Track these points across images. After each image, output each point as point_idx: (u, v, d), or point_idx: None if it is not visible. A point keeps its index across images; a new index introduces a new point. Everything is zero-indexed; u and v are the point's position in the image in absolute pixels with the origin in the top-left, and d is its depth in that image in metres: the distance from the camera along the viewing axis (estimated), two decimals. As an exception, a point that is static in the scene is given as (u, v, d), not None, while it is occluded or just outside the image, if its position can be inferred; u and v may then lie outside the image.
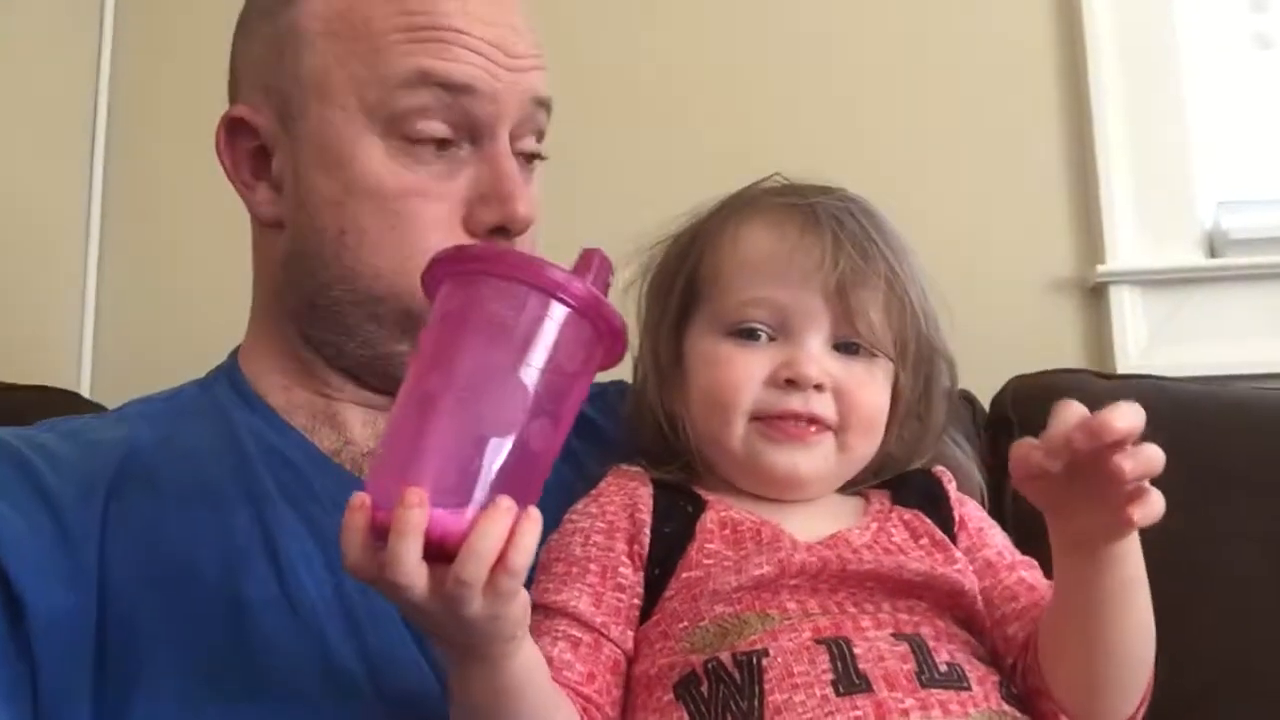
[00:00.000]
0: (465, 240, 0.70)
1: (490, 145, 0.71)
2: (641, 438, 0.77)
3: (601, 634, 0.65)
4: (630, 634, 0.66)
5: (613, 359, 0.55)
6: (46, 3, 1.28)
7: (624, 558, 0.68)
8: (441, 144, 0.70)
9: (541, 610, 0.64)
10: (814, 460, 0.71)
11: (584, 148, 1.09)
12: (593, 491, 0.73)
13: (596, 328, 0.53)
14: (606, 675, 0.64)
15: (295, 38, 0.71)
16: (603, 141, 1.24)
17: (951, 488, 0.77)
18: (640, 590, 0.67)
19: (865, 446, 0.73)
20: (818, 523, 0.71)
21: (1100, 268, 1.17)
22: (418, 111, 0.69)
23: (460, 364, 0.51)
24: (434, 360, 0.51)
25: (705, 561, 0.67)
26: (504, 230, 0.71)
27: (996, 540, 0.74)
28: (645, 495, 0.71)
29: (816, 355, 0.70)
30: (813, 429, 0.71)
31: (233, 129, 0.74)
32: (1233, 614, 0.92)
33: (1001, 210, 1.21)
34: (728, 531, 0.69)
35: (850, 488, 0.76)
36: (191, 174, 1.28)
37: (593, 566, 0.67)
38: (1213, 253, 1.18)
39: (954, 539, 0.73)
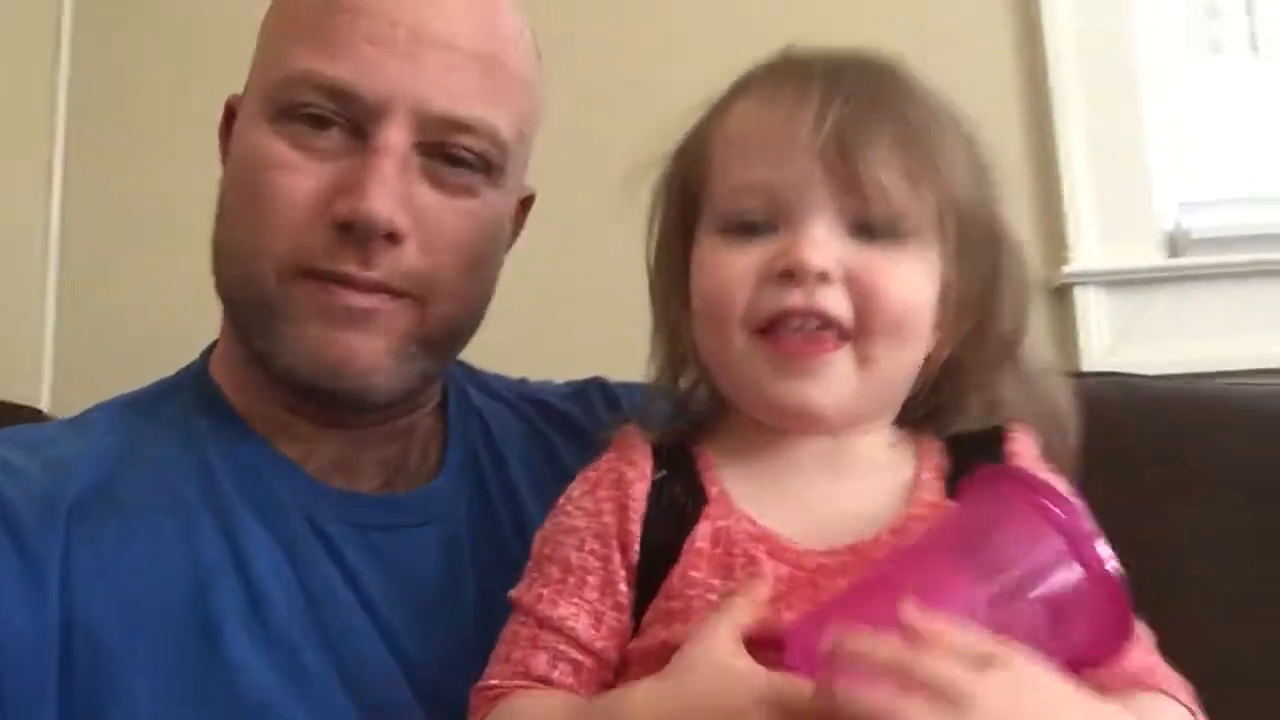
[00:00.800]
0: (324, 230, 0.65)
1: (371, 140, 0.66)
2: (664, 376, 0.67)
3: (601, 659, 0.58)
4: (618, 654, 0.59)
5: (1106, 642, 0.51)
6: (2, 10, 1.27)
7: (620, 570, 0.59)
8: (320, 123, 0.67)
9: (536, 620, 0.59)
10: (828, 385, 0.58)
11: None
12: (589, 472, 0.63)
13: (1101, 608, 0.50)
14: None
15: (261, 27, 0.72)
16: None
17: (1024, 457, 0.61)
18: (631, 605, 0.59)
19: (894, 356, 0.59)
20: (845, 499, 0.60)
21: (1064, 269, 1.18)
22: (300, 105, 0.67)
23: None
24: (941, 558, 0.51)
25: (688, 592, 0.58)
26: (350, 229, 0.65)
27: None
28: (640, 490, 0.61)
29: (820, 239, 0.57)
30: (822, 343, 0.57)
31: (227, 116, 0.74)
32: (1202, 610, 0.93)
33: (966, 214, 1.22)
34: (719, 551, 0.58)
35: (904, 422, 0.63)
36: (152, 182, 1.28)
37: (591, 580, 0.59)
38: (1174, 253, 1.20)
39: None
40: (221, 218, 0.70)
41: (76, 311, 1.30)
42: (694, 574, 0.58)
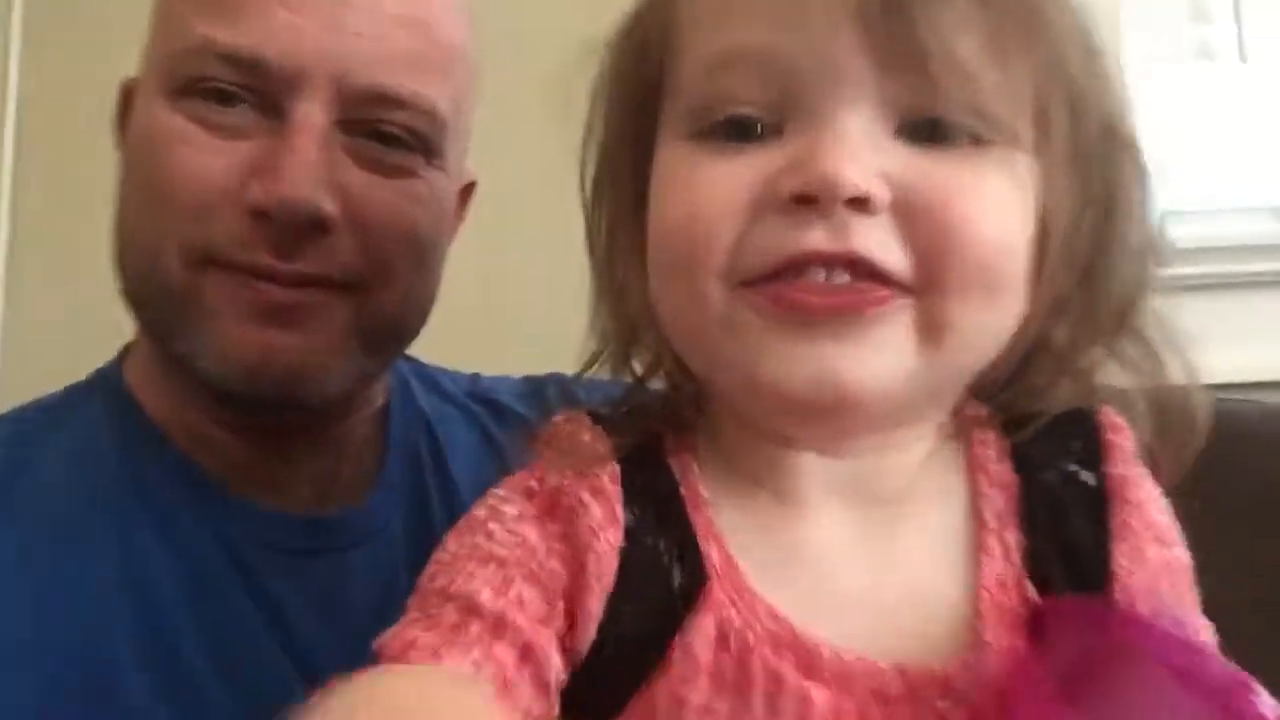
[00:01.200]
0: (236, 217, 0.58)
1: (287, 117, 0.59)
2: (610, 357, 0.48)
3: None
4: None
5: None
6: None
7: (557, 644, 0.40)
8: (227, 98, 0.59)
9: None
10: (873, 356, 0.38)
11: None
12: (529, 482, 0.44)
13: None
14: None
15: None
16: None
17: (1124, 472, 0.43)
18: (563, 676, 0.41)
19: (977, 322, 0.39)
20: (887, 560, 0.41)
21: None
22: (203, 79, 0.59)
23: None
24: None
25: (680, 712, 0.39)
26: (267, 216, 0.57)
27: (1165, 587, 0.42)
28: (609, 540, 0.41)
29: (856, 144, 0.37)
30: (865, 292, 0.37)
31: (123, 101, 0.67)
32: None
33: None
34: (728, 660, 0.39)
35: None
36: (105, 174, 1.25)
37: (507, 638, 0.40)
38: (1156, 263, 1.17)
39: (1107, 578, 0.41)
40: (121, 209, 0.63)
41: (24, 312, 1.27)
42: (693, 697, 0.39)
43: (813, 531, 0.42)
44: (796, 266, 0.38)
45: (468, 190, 0.71)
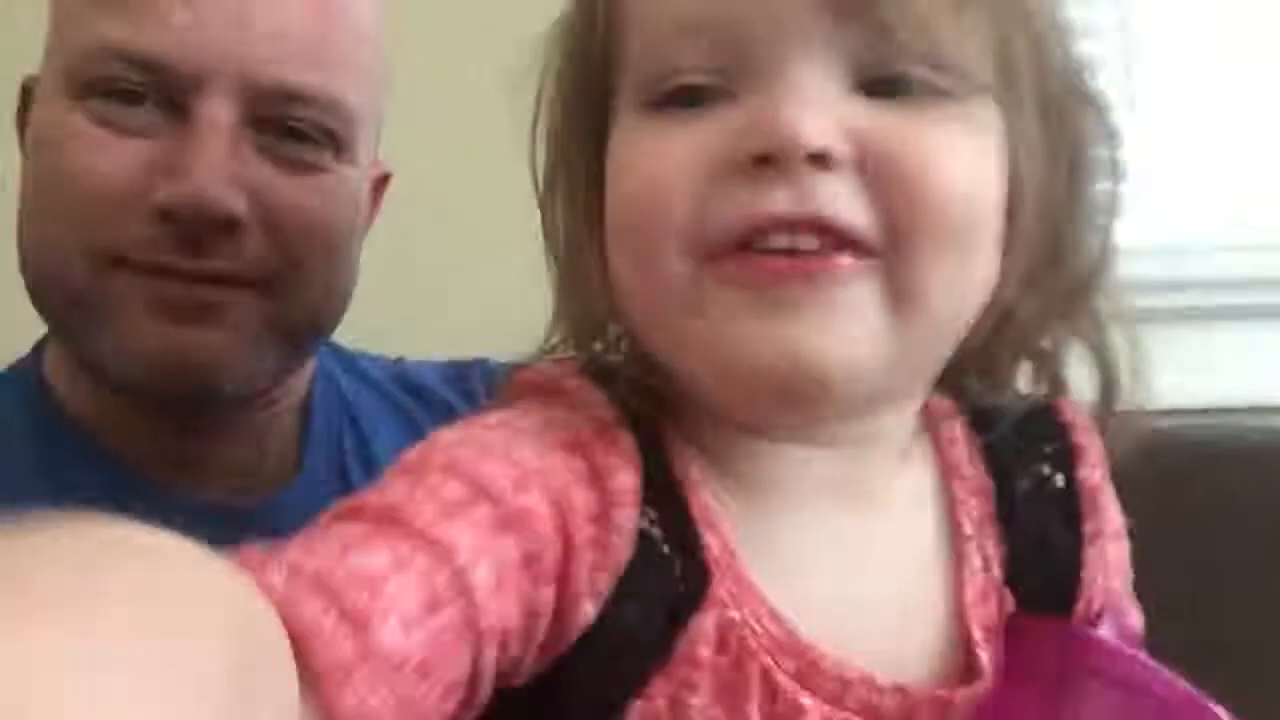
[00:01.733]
0: (143, 217, 0.57)
1: (192, 116, 0.58)
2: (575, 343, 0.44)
3: (487, 617, 0.33)
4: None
5: None
6: None
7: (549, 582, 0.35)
8: (131, 98, 0.58)
9: (405, 531, 0.34)
10: (842, 326, 0.35)
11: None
12: (542, 411, 0.39)
13: None
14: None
15: None
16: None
17: (1093, 479, 0.43)
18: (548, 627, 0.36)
19: (948, 286, 0.37)
20: (873, 565, 0.40)
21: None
22: (105, 80, 0.58)
23: None
24: None
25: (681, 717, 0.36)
26: (174, 216, 0.57)
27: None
28: (630, 513, 0.37)
29: (814, 97, 0.35)
30: (829, 257, 0.35)
31: (23, 99, 0.66)
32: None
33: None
34: (726, 663, 0.37)
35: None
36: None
37: (513, 536, 0.35)
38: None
39: (1077, 583, 0.42)
40: (23, 210, 0.62)
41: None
42: (693, 701, 0.36)
43: (795, 531, 0.40)
44: (761, 232, 0.36)
45: (382, 182, 0.71)
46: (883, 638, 0.39)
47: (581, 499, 0.36)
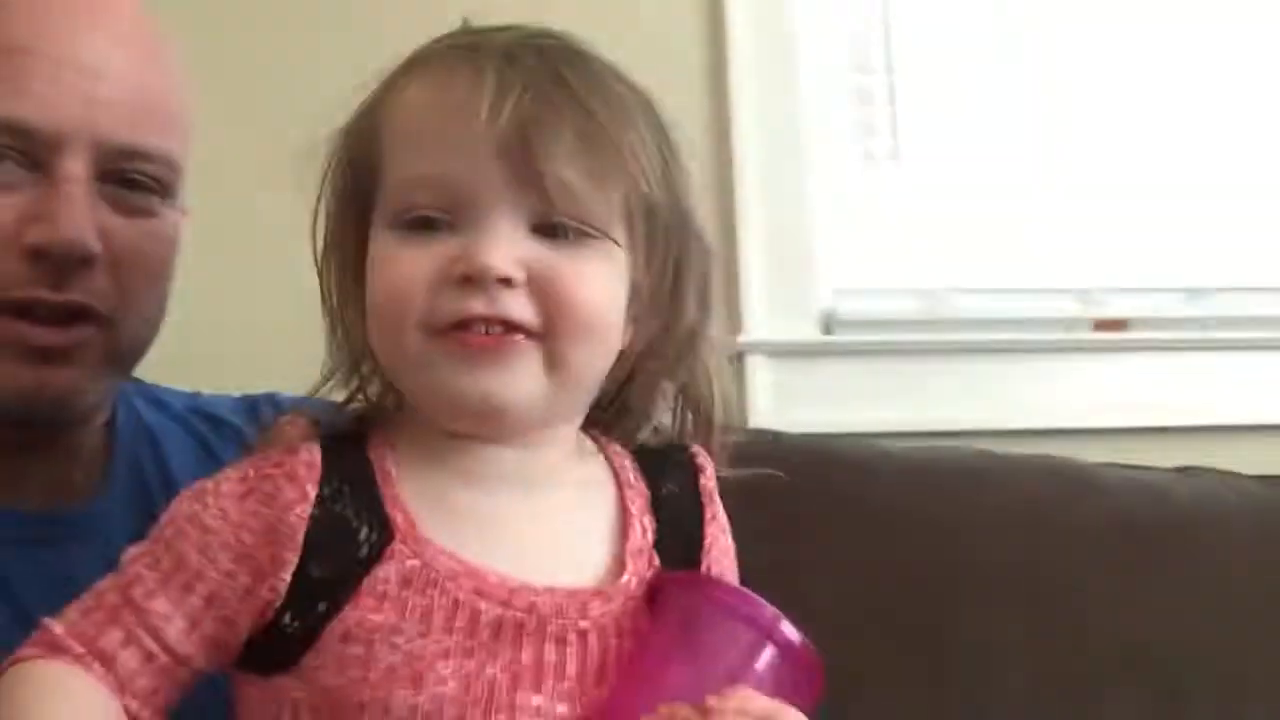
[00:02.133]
0: (15, 261, 0.67)
1: (55, 171, 0.69)
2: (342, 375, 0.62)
3: (183, 663, 0.55)
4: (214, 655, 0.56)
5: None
6: None
7: (244, 595, 0.54)
8: None
9: (126, 600, 0.55)
10: (515, 380, 0.55)
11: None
12: (246, 471, 0.57)
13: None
14: (170, 692, 0.55)
15: None
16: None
17: (710, 485, 0.64)
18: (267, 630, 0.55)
19: (585, 358, 0.57)
20: (549, 524, 0.58)
21: (739, 338, 1.34)
22: None
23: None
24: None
25: (369, 638, 0.53)
26: (45, 255, 0.67)
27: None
28: (299, 512, 0.55)
29: (502, 241, 0.54)
30: (509, 337, 0.54)
31: None
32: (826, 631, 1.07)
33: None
34: (412, 593, 0.54)
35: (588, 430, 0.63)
36: None
37: (199, 588, 0.55)
38: (827, 330, 1.39)
39: (700, 556, 0.62)
40: None
41: None
42: (374, 618, 0.53)
43: (487, 500, 0.58)
44: (467, 321, 0.55)
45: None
46: (560, 573, 0.57)
47: (261, 540, 0.55)
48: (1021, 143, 1.47)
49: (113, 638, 0.54)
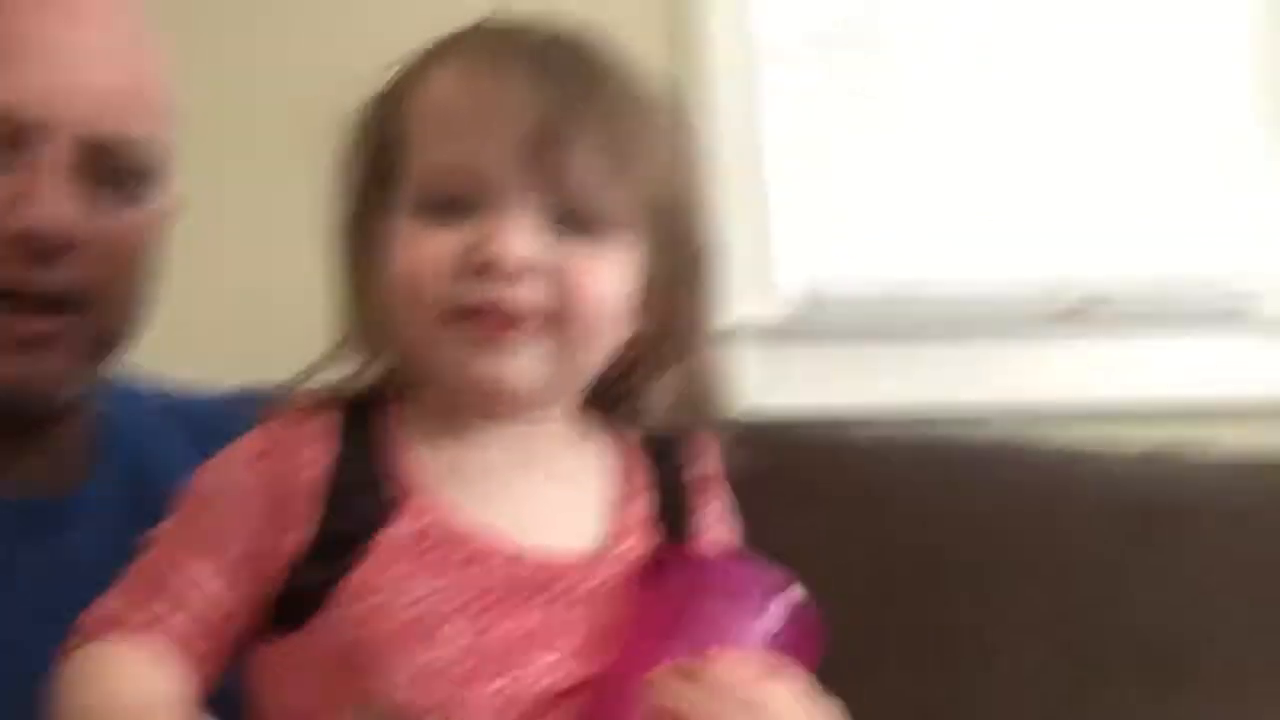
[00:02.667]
0: (3, 239, 0.67)
1: (37, 157, 0.69)
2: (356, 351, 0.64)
3: (228, 617, 0.57)
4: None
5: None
6: None
7: (270, 551, 0.57)
8: None
9: (169, 562, 0.57)
10: (522, 366, 0.57)
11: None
12: (258, 439, 0.60)
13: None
14: (224, 653, 0.58)
15: None
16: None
17: (710, 472, 0.67)
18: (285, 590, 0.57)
19: (591, 349, 0.60)
20: (552, 496, 0.61)
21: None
22: None
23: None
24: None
25: (386, 590, 0.55)
26: (29, 239, 0.67)
27: None
28: (315, 472, 0.57)
29: (520, 232, 0.56)
30: (520, 325, 0.57)
31: None
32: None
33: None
34: (427, 548, 0.57)
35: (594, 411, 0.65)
36: None
37: (233, 548, 0.57)
38: (806, 312, 1.38)
39: (696, 529, 0.65)
40: None
41: None
42: (387, 574, 0.55)
43: (493, 469, 0.61)
44: (480, 310, 0.57)
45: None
46: (565, 539, 0.60)
47: (280, 497, 0.58)
48: (996, 134, 1.46)
49: (160, 606, 0.56)
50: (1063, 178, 1.46)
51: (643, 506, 0.63)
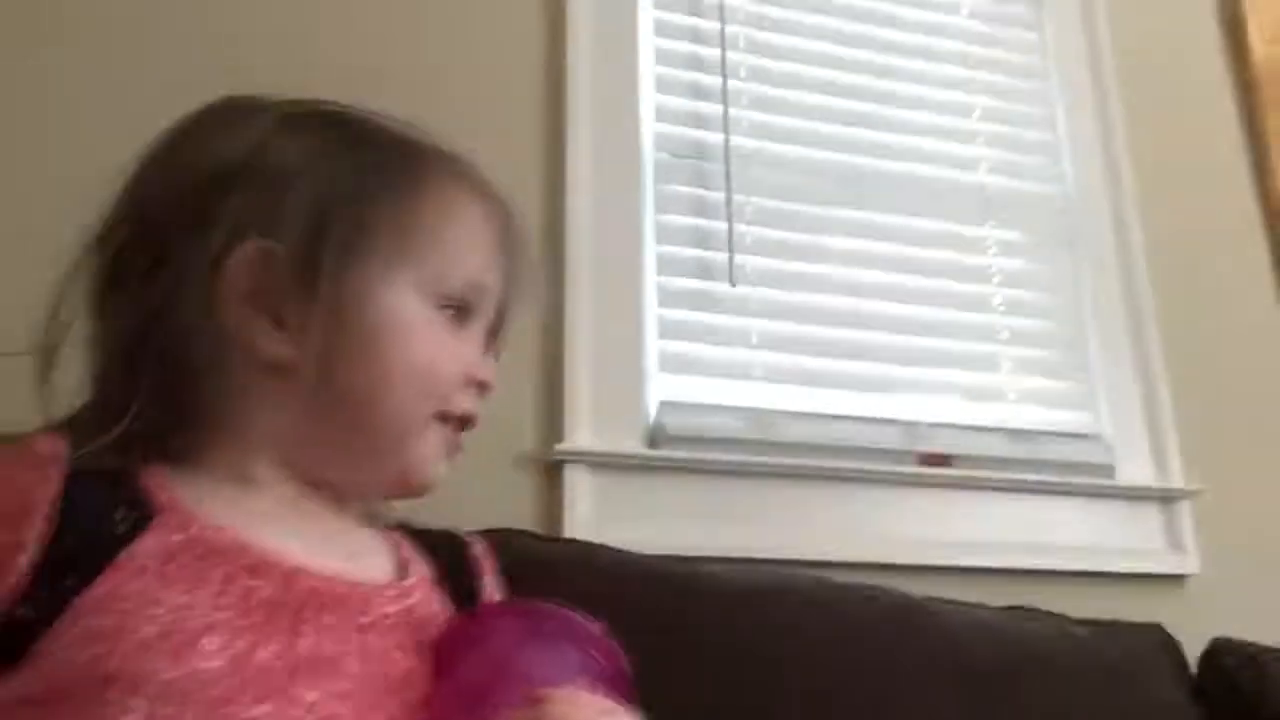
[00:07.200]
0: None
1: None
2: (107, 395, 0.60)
3: None
4: None
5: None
6: None
7: None
8: None
9: None
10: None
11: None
12: None
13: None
14: None
15: None
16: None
17: (489, 579, 0.73)
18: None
19: None
20: (328, 532, 0.62)
21: (558, 446, 1.26)
22: None
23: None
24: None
25: (122, 607, 0.50)
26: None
27: None
28: (43, 494, 0.52)
29: (490, 358, 0.71)
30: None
31: None
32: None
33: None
34: (177, 566, 0.52)
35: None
36: None
37: None
38: (653, 444, 1.32)
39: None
40: None
41: None
42: (129, 587, 0.50)
43: (260, 504, 0.59)
44: (466, 421, 0.67)
45: None
46: (339, 564, 0.59)
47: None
48: (856, 270, 1.47)
49: None
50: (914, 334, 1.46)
51: (424, 570, 0.66)
